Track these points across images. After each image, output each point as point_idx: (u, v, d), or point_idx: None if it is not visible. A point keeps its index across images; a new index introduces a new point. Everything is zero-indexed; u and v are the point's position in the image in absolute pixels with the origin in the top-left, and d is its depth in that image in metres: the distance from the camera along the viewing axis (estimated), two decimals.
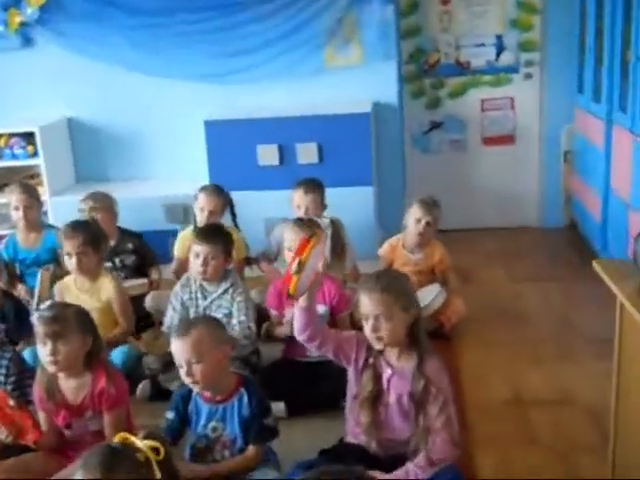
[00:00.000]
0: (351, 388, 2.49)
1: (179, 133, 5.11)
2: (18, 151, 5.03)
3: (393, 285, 2.34)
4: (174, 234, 4.50)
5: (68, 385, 2.60)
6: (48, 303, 2.89)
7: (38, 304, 3.75)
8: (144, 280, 4.15)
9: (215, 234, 3.48)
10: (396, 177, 5.15)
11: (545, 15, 5.15)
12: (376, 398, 2.37)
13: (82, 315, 2.61)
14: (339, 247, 3.90)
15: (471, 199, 5.47)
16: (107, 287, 3.52)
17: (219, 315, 3.37)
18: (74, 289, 3.53)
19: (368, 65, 4.94)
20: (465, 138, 5.45)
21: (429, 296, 3.71)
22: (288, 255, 3.36)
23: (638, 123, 3.89)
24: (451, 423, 2.34)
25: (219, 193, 4.12)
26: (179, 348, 2.40)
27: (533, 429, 3.00)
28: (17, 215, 4.20)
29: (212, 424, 2.50)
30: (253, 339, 3.42)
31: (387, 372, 2.40)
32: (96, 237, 3.55)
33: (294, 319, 2.42)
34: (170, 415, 2.54)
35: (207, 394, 2.50)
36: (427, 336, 2.42)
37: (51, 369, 2.54)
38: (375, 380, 2.39)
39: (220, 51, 4.95)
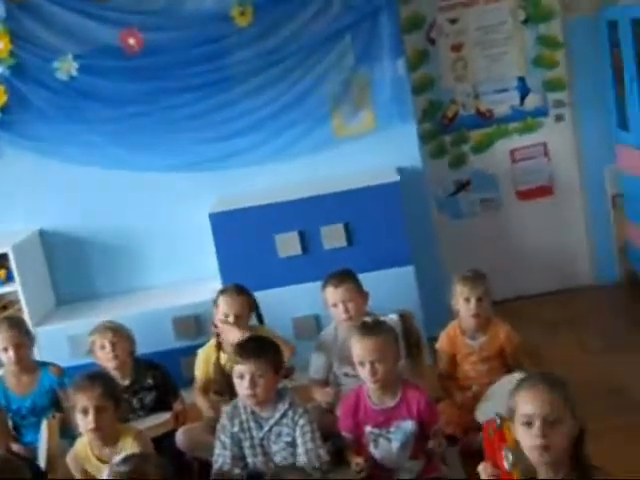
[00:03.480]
0: None
1: (179, 232, 4.96)
2: None
3: (561, 386, 2.25)
4: (186, 352, 4.33)
5: None
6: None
7: (48, 463, 3.49)
8: (166, 415, 3.86)
9: (258, 347, 3.30)
10: (430, 251, 5.03)
11: (569, 49, 5.17)
12: None
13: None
14: (414, 345, 3.76)
15: (514, 263, 5.37)
16: (132, 450, 3.12)
17: (280, 445, 3.22)
18: (93, 459, 3.25)
19: (383, 129, 4.91)
20: (498, 195, 5.40)
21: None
22: (362, 371, 3.18)
23: None
24: None
25: (242, 293, 3.93)
26: None
27: None
28: (6, 357, 3.95)
29: None
30: (326, 468, 3.21)
31: None
32: (117, 390, 3.35)
33: None
34: None
35: None
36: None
37: None
38: None
39: (212, 135, 4.87)
